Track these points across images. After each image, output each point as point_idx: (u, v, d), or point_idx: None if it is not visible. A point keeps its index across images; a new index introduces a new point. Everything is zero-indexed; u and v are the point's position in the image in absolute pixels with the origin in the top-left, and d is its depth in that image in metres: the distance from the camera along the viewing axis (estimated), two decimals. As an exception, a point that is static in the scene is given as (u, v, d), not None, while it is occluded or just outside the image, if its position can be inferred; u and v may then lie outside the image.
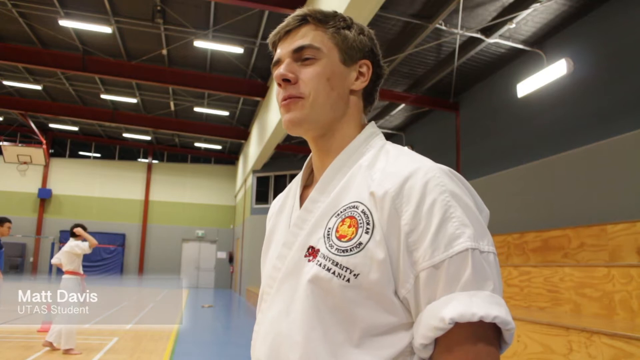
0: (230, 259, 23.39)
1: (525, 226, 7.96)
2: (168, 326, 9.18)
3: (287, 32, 0.91)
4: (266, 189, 17.61)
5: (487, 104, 10.08)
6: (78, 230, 6.59)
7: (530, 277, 4.84)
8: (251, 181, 17.84)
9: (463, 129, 10.86)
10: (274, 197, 18.37)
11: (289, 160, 17.58)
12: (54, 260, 6.69)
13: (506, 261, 7.16)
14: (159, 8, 9.88)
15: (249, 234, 17.37)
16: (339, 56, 0.89)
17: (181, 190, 23.88)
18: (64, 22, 10.12)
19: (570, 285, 4.31)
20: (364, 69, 0.92)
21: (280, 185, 17.44)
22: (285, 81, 0.88)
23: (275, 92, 0.93)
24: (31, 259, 22.05)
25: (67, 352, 6.22)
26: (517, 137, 8.96)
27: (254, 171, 17.52)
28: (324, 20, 0.90)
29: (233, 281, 22.82)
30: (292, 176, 17.34)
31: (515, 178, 8.83)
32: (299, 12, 0.91)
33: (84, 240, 6.68)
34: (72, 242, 6.56)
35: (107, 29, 10.40)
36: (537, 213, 8.08)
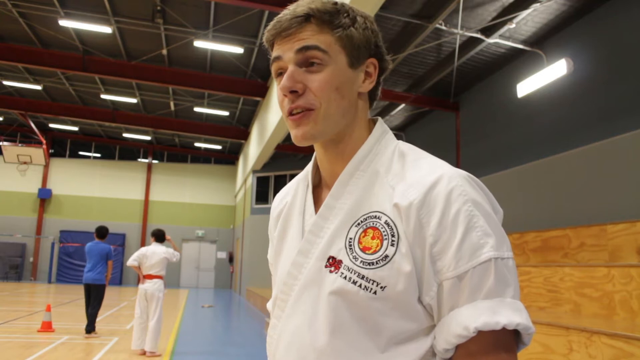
0: (230, 259, 23.39)
1: (525, 226, 7.96)
2: (168, 326, 9.18)
3: (289, 34, 0.82)
4: (266, 189, 17.61)
5: (487, 104, 10.08)
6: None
7: (530, 277, 4.84)
8: (251, 181, 17.84)
9: (463, 129, 10.86)
10: (274, 197, 18.58)
11: (289, 160, 17.58)
12: (151, 271, 6.63)
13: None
14: (159, 8, 9.88)
15: (249, 234, 17.38)
16: (346, 60, 0.83)
17: (181, 190, 23.89)
18: (64, 22, 10.12)
19: (570, 285, 4.31)
20: (370, 69, 0.87)
21: (281, 185, 17.43)
22: (292, 92, 0.82)
23: (278, 100, 0.86)
24: (31, 259, 22.05)
25: (151, 354, 6.27)
26: (517, 137, 8.96)
27: (254, 171, 17.52)
28: (329, 20, 0.82)
29: (233, 281, 22.83)
30: (292, 176, 17.30)
31: (515, 178, 8.84)
32: (300, 11, 0.82)
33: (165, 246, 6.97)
34: (166, 250, 6.73)
35: (107, 29, 10.40)
36: (537, 213, 8.08)
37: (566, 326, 3.32)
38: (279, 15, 0.84)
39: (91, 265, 7.55)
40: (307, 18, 0.82)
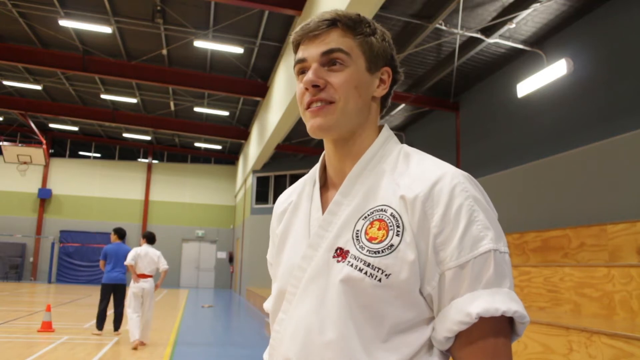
0: (230, 259, 23.39)
1: (525, 226, 7.96)
2: (168, 326, 9.18)
3: (315, 35, 0.90)
4: (266, 189, 17.61)
5: (487, 104, 10.08)
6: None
7: (530, 277, 4.84)
8: (251, 181, 17.84)
9: (463, 129, 10.86)
10: (274, 197, 18.35)
11: (289, 160, 17.57)
12: (145, 270, 7.06)
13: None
14: (159, 8, 9.88)
15: (249, 234, 17.37)
16: (365, 64, 0.91)
17: (181, 190, 23.88)
18: (64, 22, 10.12)
19: (570, 285, 4.31)
20: (385, 76, 0.94)
21: (280, 185, 17.44)
22: (315, 87, 0.88)
23: (297, 95, 0.93)
24: (31, 259, 22.04)
25: (142, 344, 6.84)
26: (517, 137, 8.96)
27: (254, 171, 17.52)
28: (353, 26, 0.90)
29: (233, 281, 22.83)
30: (292, 176, 17.39)
31: (515, 178, 8.83)
32: (327, 15, 0.91)
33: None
34: (156, 251, 7.17)
35: (107, 29, 10.40)
36: (537, 213, 8.08)
37: (566, 326, 3.32)
38: (307, 20, 0.92)
39: (118, 266, 7.60)
40: (333, 23, 0.90)
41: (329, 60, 0.88)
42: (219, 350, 7.37)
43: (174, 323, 9.74)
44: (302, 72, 0.92)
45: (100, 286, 7.76)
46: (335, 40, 0.89)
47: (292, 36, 0.95)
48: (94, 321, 9.22)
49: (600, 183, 6.93)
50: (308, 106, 0.90)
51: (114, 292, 7.64)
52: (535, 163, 8.37)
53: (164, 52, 11.72)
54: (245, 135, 18.42)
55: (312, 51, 0.90)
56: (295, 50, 0.94)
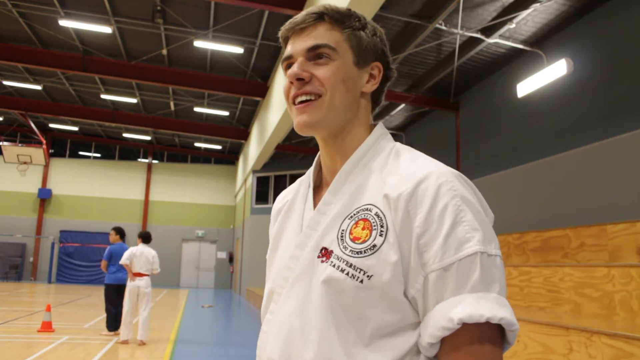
0: (230, 259, 23.39)
1: (525, 226, 7.96)
2: (168, 326, 9.18)
3: (302, 29, 0.88)
4: (266, 189, 17.62)
5: (487, 104, 10.08)
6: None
7: (530, 277, 4.84)
8: (251, 181, 17.84)
9: (463, 129, 10.86)
10: (274, 197, 18.36)
11: (289, 160, 17.57)
12: (141, 269, 7.22)
13: (506, 261, 7.16)
14: (159, 8, 9.88)
15: (249, 234, 17.38)
16: (352, 58, 0.88)
17: (181, 190, 23.88)
18: (64, 22, 10.12)
19: (570, 285, 4.31)
20: (375, 72, 0.92)
21: (280, 185, 17.44)
22: (299, 80, 0.87)
23: (284, 90, 0.91)
24: (31, 259, 22.04)
25: (142, 343, 6.98)
26: (517, 137, 8.96)
27: (254, 171, 17.52)
28: (341, 20, 0.88)
29: (233, 281, 22.83)
30: (292, 176, 17.38)
31: (515, 178, 8.83)
32: (315, 9, 0.89)
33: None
34: (151, 250, 7.33)
35: (107, 29, 10.40)
36: (537, 213, 8.08)
37: (566, 326, 3.32)
38: (295, 15, 0.90)
39: (121, 266, 7.60)
40: (320, 16, 0.88)
41: (315, 55, 0.87)
42: (219, 350, 7.37)
43: (174, 323, 9.74)
44: (289, 67, 0.90)
45: (105, 287, 7.77)
46: (321, 34, 0.87)
47: (280, 31, 0.93)
48: (94, 321, 9.23)
49: (600, 183, 6.93)
50: (294, 101, 0.88)
51: (118, 292, 7.68)
52: (535, 163, 8.37)
53: (164, 52, 11.72)
54: (245, 135, 18.42)
55: (298, 46, 0.88)
56: (284, 45, 0.93)
